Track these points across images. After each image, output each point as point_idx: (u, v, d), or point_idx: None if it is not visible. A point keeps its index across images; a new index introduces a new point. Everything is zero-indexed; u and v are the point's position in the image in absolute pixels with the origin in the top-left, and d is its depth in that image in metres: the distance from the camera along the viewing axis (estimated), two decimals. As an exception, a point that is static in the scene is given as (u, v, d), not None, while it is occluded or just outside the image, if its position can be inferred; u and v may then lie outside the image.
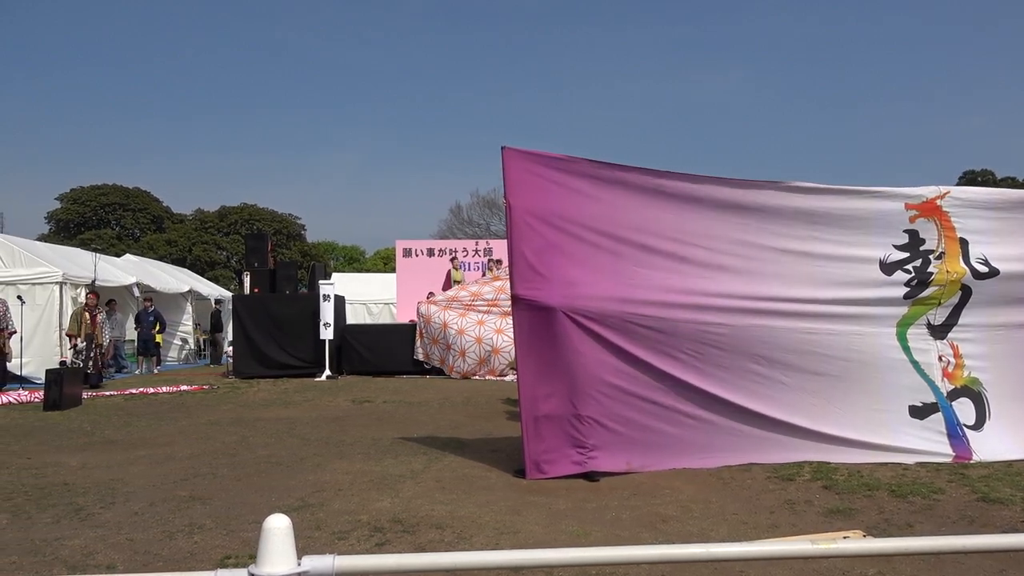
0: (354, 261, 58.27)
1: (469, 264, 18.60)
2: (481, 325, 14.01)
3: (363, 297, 24.68)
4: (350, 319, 17.89)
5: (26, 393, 11.19)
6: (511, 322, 6.31)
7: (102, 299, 15.89)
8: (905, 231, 6.17)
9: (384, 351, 14.72)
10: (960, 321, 6.19)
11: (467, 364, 13.77)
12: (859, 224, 6.11)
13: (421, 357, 14.31)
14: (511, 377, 12.58)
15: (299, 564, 1.72)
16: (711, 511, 4.71)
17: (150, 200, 49.52)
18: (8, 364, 12.48)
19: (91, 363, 12.90)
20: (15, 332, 12.61)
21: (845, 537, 3.88)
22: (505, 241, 6.15)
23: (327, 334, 13.94)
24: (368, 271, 43.83)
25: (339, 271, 39.20)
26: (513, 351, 12.21)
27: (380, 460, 6.33)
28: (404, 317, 17.13)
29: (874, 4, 79.02)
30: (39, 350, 13.98)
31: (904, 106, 78.49)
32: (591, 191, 5.83)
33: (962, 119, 76.96)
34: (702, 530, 4.34)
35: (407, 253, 19.18)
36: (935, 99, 77.65)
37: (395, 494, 5.16)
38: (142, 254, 29.08)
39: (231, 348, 15.48)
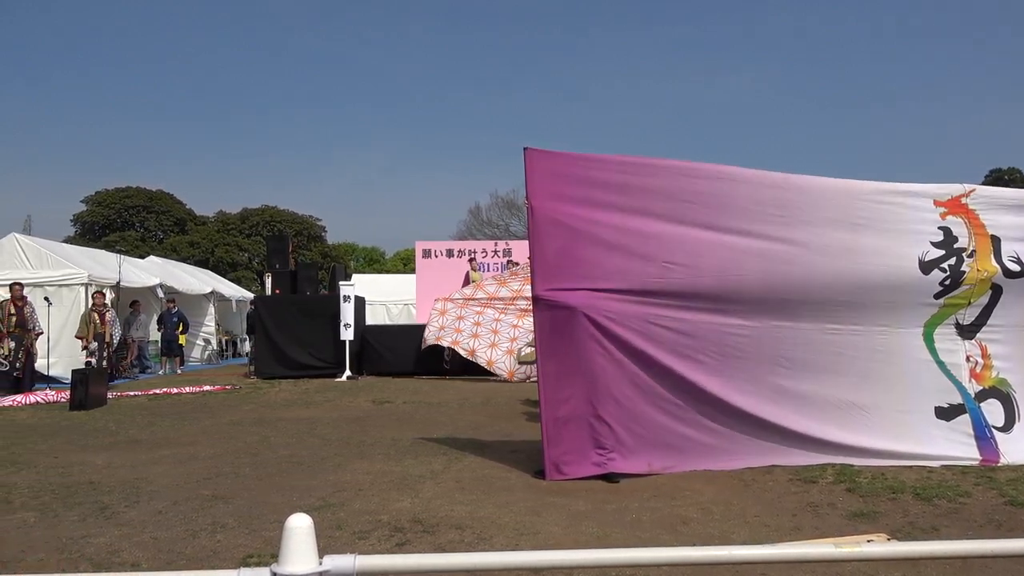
0: (374, 262, 58.58)
1: (488, 265, 18.62)
2: (497, 322, 14.02)
3: (383, 298, 24.80)
4: (369, 320, 17.99)
5: (53, 393, 11.38)
6: (530, 320, 6.28)
7: (126, 300, 16.14)
8: (939, 228, 6.08)
9: (404, 352, 14.78)
10: (990, 321, 6.09)
11: (478, 343, 13.73)
12: (899, 220, 6.00)
13: (431, 341, 14.13)
14: (530, 377, 12.58)
15: (320, 563, 1.73)
16: (732, 513, 4.67)
17: (173, 202, 50.09)
18: (35, 364, 12.69)
19: (104, 362, 13.12)
20: (41, 333, 12.83)
21: (869, 540, 3.83)
22: (525, 242, 6.16)
23: (347, 335, 14.03)
24: (388, 272, 44.07)
25: (359, 272, 39.40)
26: (527, 348, 12.32)
27: (400, 460, 6.35)
28: (424, 318, 17.17)
29: (889, 2, 78.11)
30: (65, 350, 14.20)
31: (924, 105, 77.51)
32: (615, 191, 5.76)
33: (985, 117, 75.76)
34: (723, 532, 4.31)
35: (426, 254, 19.26)
36: (956, 97, 76.57)
37: (415, 494, 5.17)
38: (165, 255, 29.43)
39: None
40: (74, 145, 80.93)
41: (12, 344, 12.12)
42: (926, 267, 5.96)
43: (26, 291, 12.82)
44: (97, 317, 13.21)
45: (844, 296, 5.83)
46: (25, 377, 12.18)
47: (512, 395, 11.03)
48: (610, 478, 5.51)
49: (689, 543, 4.08)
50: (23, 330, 12.22)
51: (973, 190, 6.23)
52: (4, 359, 12.11)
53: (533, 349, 6.04)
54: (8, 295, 12.52)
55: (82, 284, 14.73)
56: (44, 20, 77.58)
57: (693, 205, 5.77)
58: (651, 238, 5.72)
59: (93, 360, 12.88)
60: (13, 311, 12.17)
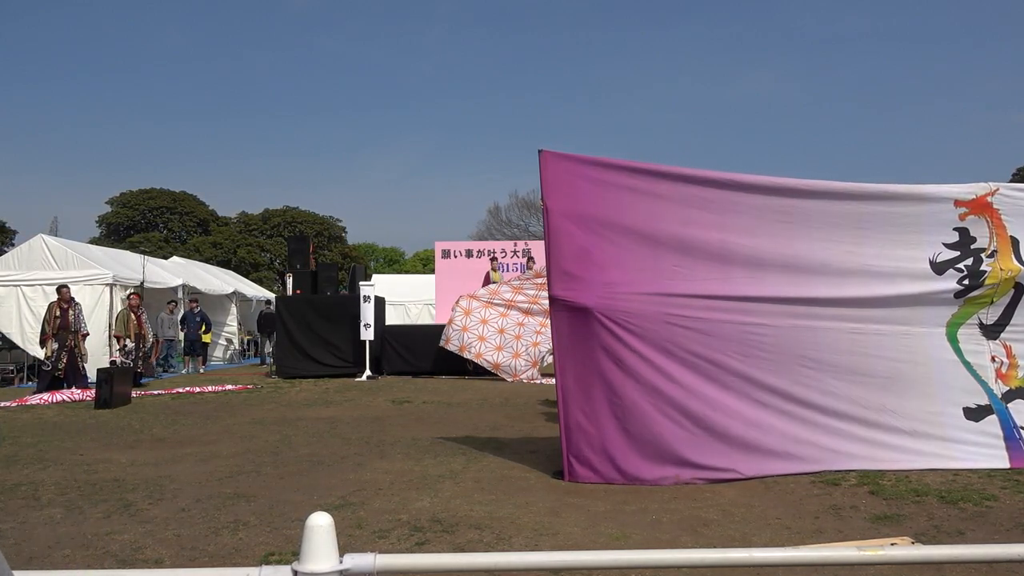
0: (393, 262, 58.88)
1: (507, 265, 18.63)
2: (521, 327, 13.98)
3: (402, 298, 24.91)
4: (389, 320, 18.08)
5: (79, 392, 11.58)
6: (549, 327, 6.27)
7: (150, 300, 16.39)
8: (955, 229, 6.02)
9: (423, 352, 14.81)
10: (1013, 320, 6.01)
11: (501, 356, 13.75)
12: (908, 223, 5.96)
13: (444, 343, 14.13)
14: (546, 380, 12.56)
15: (340, 562, 1.74)
16: (753, 515, 4.63)
17: (196, 203, 50.66)
18: (83, 363, 12.85)
19: (140, 362, 13.33)
20: (88, 334, 13.11)
21: (893, 544, 3.79)
22: (543, 242, 6.15)
23: (367, 335, 14.10)
24: (407, 272, 44.26)
25: (379, 272, 39.62)
26: (550, 356, 12.27)
27: (420, 460, 6.37)
28: (443, 318, 17.21)
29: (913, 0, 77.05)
30: (90, 349, 14.39)
31: (950, 103, 76.40)
32: (630, 192, 5.78)
33: (1011, 115, 74.51)
34: (744, 535, 4.28)
35: (446, 254, 19.33)
36: (982, 95, 75.37)
37: (434, 494, 5.19)
38: (188, 256, 29.76)
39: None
40: (99, 148, 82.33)
41: (56, 345, 12.42)
42: (939, 268, 5.92)
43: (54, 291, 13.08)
44: (134, 317, 13.48)
45: (857, 296, 5.79)
46: (68, 375, 12.44)
47: (531, 395, 11.03)
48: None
49: (709, 545, 4.05)
50: (67, 332, 12.49)
51: (998, 189, 6.15)
52: (47, 359, 12.40)
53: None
54: (55, 297, 12.91)
55: (106, 284, 14.96)
56: (71, 22, 78.84)
57: (703, 209, 5.79)
58: (667, 240, 5.74)
59: (120, 359, 13.08)
60: (58, 313, 12.48)
